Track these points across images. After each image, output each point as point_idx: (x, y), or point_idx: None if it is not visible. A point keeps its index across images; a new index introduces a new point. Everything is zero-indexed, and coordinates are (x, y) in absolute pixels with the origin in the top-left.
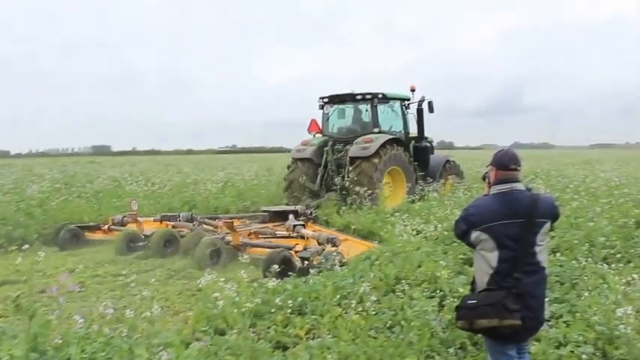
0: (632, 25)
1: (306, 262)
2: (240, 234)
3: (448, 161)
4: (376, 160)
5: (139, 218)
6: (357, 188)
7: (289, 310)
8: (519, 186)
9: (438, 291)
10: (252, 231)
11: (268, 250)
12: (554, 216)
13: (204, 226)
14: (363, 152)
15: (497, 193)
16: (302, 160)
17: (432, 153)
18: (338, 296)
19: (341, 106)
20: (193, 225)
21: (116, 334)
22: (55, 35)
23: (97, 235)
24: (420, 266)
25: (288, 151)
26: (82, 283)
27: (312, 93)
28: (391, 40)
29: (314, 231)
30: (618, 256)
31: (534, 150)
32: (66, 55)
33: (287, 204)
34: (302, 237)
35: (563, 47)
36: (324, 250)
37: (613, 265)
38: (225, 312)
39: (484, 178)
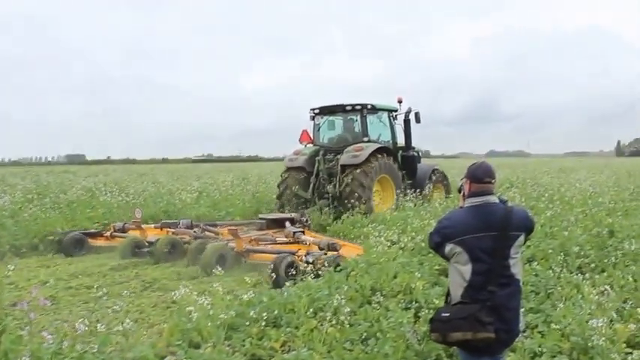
0: (607, 35)
1: (310, 266)
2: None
3: (435, 170)
4: (367, 168)
5: (142, 225)
6: (350, 195)
7: (264, 323)
8: (493, 199)
9: (413, 302)
10: (252, 238)
11: (274, 255)
12: (528, 229)
13: (207, 232)
14: (353, 160)
15: (471, 206)
16: (294, 169)
17: (419, 162)
18: (313, 308)
19: (331, 117)
20: (196, 232)
21: (88, 349)
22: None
23: (100, 242)
24: (395, 277)
25: (264, 160)
26: (54, 297)
27: (288, 102)
28: (367, 49)
29: (312, 237)
30: (592, 265)
31: (510, 158)
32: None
33: (281, 211)
34: (304, 242)
35: (539, 55)
36: (325, 254)
37: (587, 275)
38: (199, 325)
39: (459, 190)
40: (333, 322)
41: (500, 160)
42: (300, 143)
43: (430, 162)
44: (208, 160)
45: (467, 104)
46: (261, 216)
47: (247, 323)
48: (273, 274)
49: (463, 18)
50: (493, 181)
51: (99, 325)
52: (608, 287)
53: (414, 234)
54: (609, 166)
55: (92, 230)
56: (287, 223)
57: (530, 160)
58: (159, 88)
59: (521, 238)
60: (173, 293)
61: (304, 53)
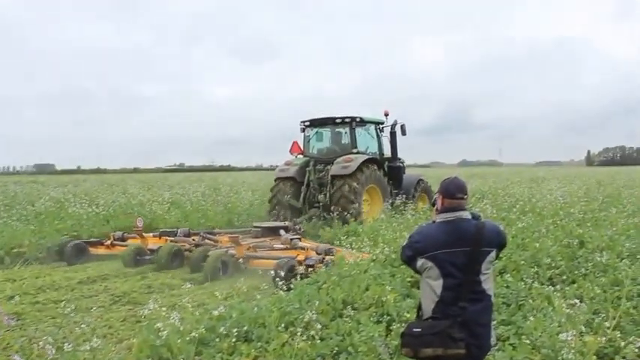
0: (579, 46)
1: (310, 269)
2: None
3: (420, 180)
4: (356, 178)
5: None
6: (340, 205)
7: (235, 338)
8: (465, 214)
9: (385, 315)
10: (250, 245)
11: (274, 261)
12: (500, 244)
13: (206, 240)
14: (343, 171)
15: (443, 222)
16: (285, 179)
17: (404, 173)
18: (284, 322)
19: (321, 129)
20: (195, 240)
21: None
22: None
23: (100, 250)
24: (367, 289)
25: (236, 169)
26: (20, 313)
27: (262, 112)
28: (341, 60)
29: (309, 244)
30: (563, 277)
31: (482, 167)
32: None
33: (274, 220)
34: (302, 248)
35: (512, 66)
36: (324, 259)
37: (558, 286)
38: (169, 341)
39: (433, 205)
40: (305, 336)
41: (472, 169)
42: (291, 154)
43: (414, 172)
44: (180, 169)
45: (439, 114)
46: (255, 224)
47: (218, 339)
48: (276, 277)
49: (438, 28)
50: (465, 196)
51: (66, 344)
52: (578, 301)
53: (384, 245)
54: (580, 176)
55: (93, 239)
56: (281, 231)
57: (502, 170)
58: (130, 96)
59: (493, 253)
60: (143, 309)
61: (279, 62)
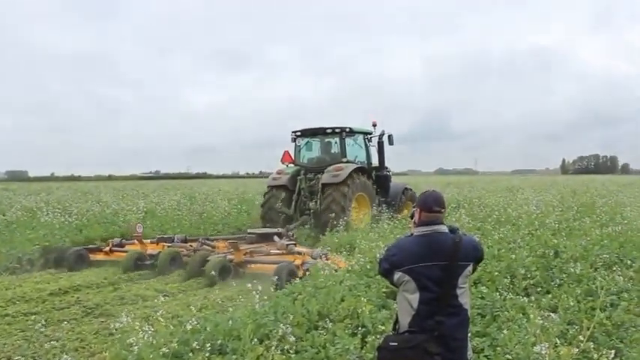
0: (555, 55)
1: (308, 272)
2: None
3: (406, 189)
4: (346, 187)
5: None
6: (330, 212)
7: (209, 351)
8: (442, 228)
9: (360, 327)
10: (247, 250)
11: (273, 265)
12: (476, 258)
13: (204, 246)
14: (334, 179)
15: (420, 235)
16: (277, 187)
17: (391, 181)
18: (259, 335)
19: (311, 139)
20: (197, 245)
21: None
22: None
23: (99, 256)
24: (343, 300)
25: (213, 177)
26: None
27: (238, 119)
28: (318, 68)
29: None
30: (538, 288)
31: (458, 176)
32: None
33: (268, 226)
34: (298, 253)
35: (489, 75)
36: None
37: (533, 297)
38: (142, 354)
39: (411, 217)
40: (280, 349)
41: (448, 177)
42: (282, 163)
43: (400, 180)
44: (156, 177)
45: (417, 122)
46: (249, 231)
47: (191, 352)
48: (277, 279)
49: (415, 37)
50: (443, 210)
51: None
52: (552, 314)
53: (360, 255)
54: (555, 185)
55: (92, 246)
56: (275, 237)
57: (477, 178)
58: (106, 103)
59: (470, 268)
60: (115, 321)
61: (256, 69)
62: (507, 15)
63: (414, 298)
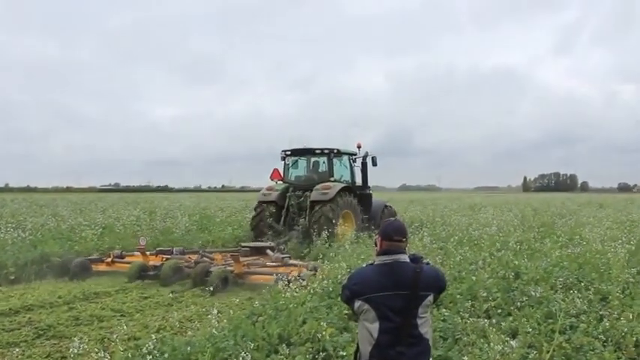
0: (516, 75)
1: (304, 282)
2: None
3: (386, 206)
4: (334, 204)
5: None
6: (319, 227)
7: None
8: (403, 257)
9: (321, 352)
10: (245, 263)
11: (271, 276)
12: (438, 289)
13: (204, 258)
14: (323, 197)
15: (381, 264)
16: (268, 202)
17: (372, 199)
18: (218, 359)
19: (301, 158)
20: (198, 257)
21: None
22: None
23: (101, 267)
24: (304, 323)
25: (173, 190)
26: None
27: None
28: (284, 81)
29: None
30: (499, 310)
31: (421, 192)
32: None
33: (259, 240)
34: (294, 265)
35: (453, 93)
36: (314, 274)
37: (494, 319)
38: None
39: (375, 244)
40: None
41: (411, 194)
42: (272, 180)
43: (384, 199)
44: (115, 189)
45: (380, 139)
46: (243, 244)
47: None
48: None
49: (379, 54)
50: (404, 239)
51: None
52: (512, 341)
53: (322, 276)
54: (516, 203)
55: (94, 257)
56: (268, 251)
57: (440, 195)
58: (63, 112)
59: (430, 297)
60: (69, 342)
61: (220, 83)
62: (474, 32)
63: (374, 327)
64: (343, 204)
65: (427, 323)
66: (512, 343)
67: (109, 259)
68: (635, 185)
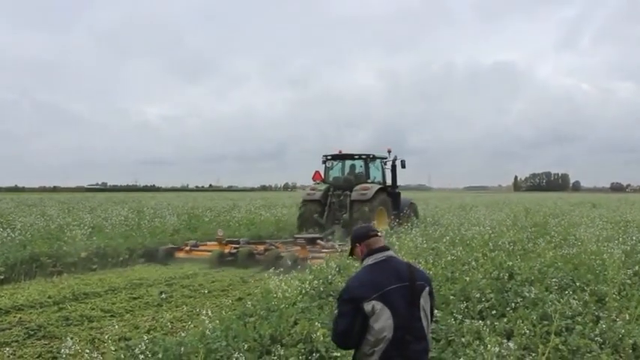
0: (514, 72)
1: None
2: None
3: (411, 203)
4: (372, 203)
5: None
6: (359, 222)
7: None
8: (392, 253)
9: (314, 353)
10: (308, 249)
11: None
12: (429, 280)
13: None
14: (362, 197)
15: (375, 263)
16: (312, 201)
17: (400, 197)
18: None
19: (340, 162)
20: (267, 246)
21: None
22: None
23: (181, 254)
24: (296, 323)
25: (161, 190)
26: None
27: (191, 131)
28: (278, 79)
29: None
30: (493, 311)
31: (412, 192)
32: None
33: (310, 232)
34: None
35: (449, 92)
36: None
37: (488, 320)
38: None
39: (350, 254)
40: None
41: (403, 193)
42: (313, 181)
43: (410, 197)
44: (102, 189)
45: (373, 137)
46: (296, 236)
47: None
48: None
49: (374, 52)
50: (379, 233)
51: None
52: (509, 343)
53: (312, 277)
54: (508, 203)
55: (175, 246)
56: (319, 241)
57: (431, 195)
58: (50, 110)
59: (427, 289)
60: (60, 343)
61: (212, 81)
62: (473, 31)
63: (389, 325)
64: (378, 202)
65: (427, 317)
66: (510, 344)
67: (187, 248)
68: (629, 185)
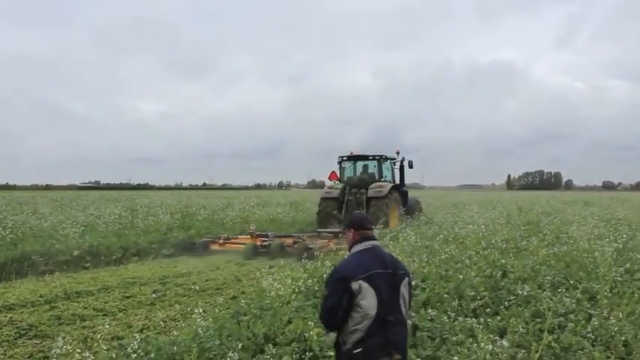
0: (510, 70)
1: None
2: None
3: (417, 201)
4: (387, 199)
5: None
6: (375, 217)
7: None
8: (378, 243)
9: (307, 352)
10: (335, 241)
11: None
12: (408, 273)
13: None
14: (378, 194)
15: (362, 250)
16: (330, 198)
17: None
18: (204, 359)
19: (354, 163)
20: (296, 239)
21: None
22: None
23: (215, 247)
24: (290, 322)
25: (154, 188)
26: None
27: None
28: (272, 78)
29: None
30: (487, 309)
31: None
32: None
33: (332, 226)
34: None
35: (446, 90)
36: None
37: (481, 318)
38: None
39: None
40: None
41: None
42: (330, 180)
43: (416, 195)
44: (95, 187)
45: (369, 135)
46: (319, 230)
47: None
48: None
49: (374, 49)
50: (372, 227)
51: None
52: (502, 341)
53: (305, 276)
54: (501, 201)
55: (209, 239)
56: (341, 234)
57: (424, 193)
58: (45, 108)
59: (407, 279)
60: (51, 342)
61: (209, 78)
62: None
63: (373, 304)
64: (392, 199)
65: (406, 305)
66: (504, 342)
67: (221, 241)
68: (620, 183)
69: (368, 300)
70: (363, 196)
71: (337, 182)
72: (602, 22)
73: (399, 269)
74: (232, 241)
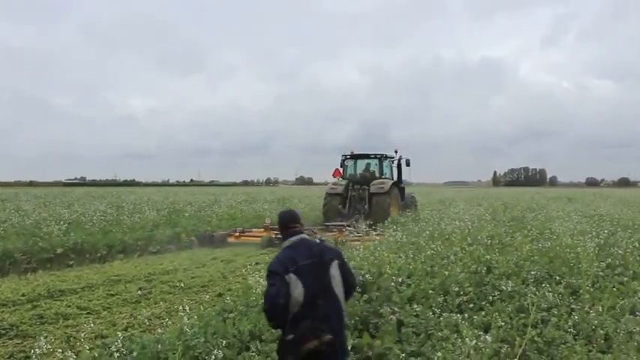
0: (499, 68)
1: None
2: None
3: (412, 196)
4: (388, 195)
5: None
6: (378, 211)
7: None
8: (305, 236)
9: None
10: (345, 233)
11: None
12: (337, 254)
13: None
14: (381, 190)
15: (292, 244)
16: (335, 194)
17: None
18: (189, 357)
19: (357, 161)
20: (309, 232)
21: None
22: None
23: (232, 239)
24: None
25: (141, 185)
26: None
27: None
28: (262, 74)
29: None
30: (471, 305)
31: None
32: None
33: (338, 220)
34: (376, 236)
35: (436, 86)
36: None
37: (466, 314)
38: None
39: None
40: None
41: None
42: (333, 177)
43: (411, 190)
44: (81, 183)
45: (357, 131)
46: (326, 224)
47: None
48: None
49: (363, 46)
50: (298, 225)
51: None
52: (486, 336)
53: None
54: (486, 197)
55: (225, 232)
56: (346, 228)
57: (411, 189)
58: (30, 102)
59: (336, 261)
60: (33, 342)
61: (199, 74)
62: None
63: (301, 292)
64: (392, 195)
65: (339, 285)
66: (487, 337)
67: (237, 234)
68: (603, 180)
69: (297, 290)
70: (366, 192)
71: (340, 179)
72: (589, 22)
73: (325, 255)
74: (247, 234)
